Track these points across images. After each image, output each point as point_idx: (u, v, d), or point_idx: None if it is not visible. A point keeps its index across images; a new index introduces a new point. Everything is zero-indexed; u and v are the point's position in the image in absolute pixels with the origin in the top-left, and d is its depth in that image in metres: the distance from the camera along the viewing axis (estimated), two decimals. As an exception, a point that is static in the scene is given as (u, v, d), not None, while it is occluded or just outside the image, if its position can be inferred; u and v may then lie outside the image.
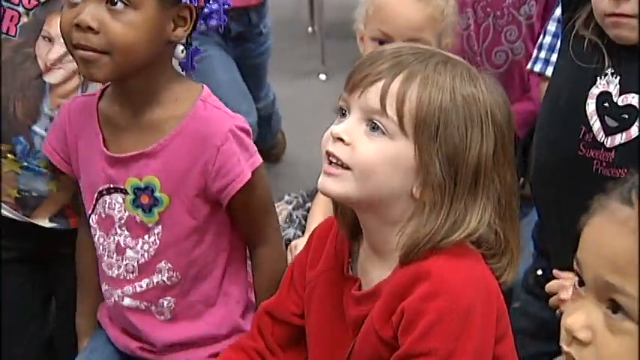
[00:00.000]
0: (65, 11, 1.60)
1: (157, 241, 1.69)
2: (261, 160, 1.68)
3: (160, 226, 1.68)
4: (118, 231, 1.71)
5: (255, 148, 1.69)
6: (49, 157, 1.80)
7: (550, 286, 1.81)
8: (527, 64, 2.40)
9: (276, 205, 2.20)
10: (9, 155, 1.83)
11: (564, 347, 1.03)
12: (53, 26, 1.77)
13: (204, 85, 1.72)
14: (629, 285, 0.97)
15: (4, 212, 1.88)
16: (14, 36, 1.78)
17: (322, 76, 4.73)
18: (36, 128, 1.81)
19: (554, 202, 1.84)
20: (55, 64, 1.80)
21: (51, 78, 1.80)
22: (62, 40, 1.75)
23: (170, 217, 1.68)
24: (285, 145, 3.85)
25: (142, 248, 1.70)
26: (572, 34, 1.82)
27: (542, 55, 2.32)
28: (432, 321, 1.29)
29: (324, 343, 1.49)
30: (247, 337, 1.60)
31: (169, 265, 1.70)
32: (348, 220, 1.45)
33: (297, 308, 1.55)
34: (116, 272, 1.73)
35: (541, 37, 2.36)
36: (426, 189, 1.33)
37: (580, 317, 1.02)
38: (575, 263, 1.05)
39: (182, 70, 1.73)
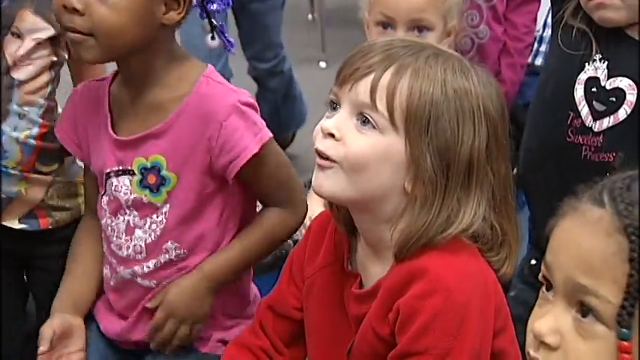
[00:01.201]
0: None
1: (164, 220, 1.69)
2: (270, 135, 1.66)
3: (167, 205, 1.68)
4: (127, 211, 1.72)
5: (263, 123, 1.67)
6: (62, 143, 1.79)
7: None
8: (494, 47, 2.40)
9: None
10: None
11: (531, 352, 1.02)
12: (23, 22, 1.75)
13: (209, 64, 1.72)
14: (602, 287, 0.96)
15: None
16: None
17: (322, 64, 4.72)
18: (4, 127, 1.79)
19: (544, 189, 1.85)
20: (23, 60, 1.77)
21: (19, 74, 1.78)
22: (32, 36, 1.75)
23: (178, 195, 1.68)
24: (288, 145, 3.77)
25: (149, 228, 1.71)
26: (561, 25, 1.83)
27: (543, 48, 2.31)
28: (428, 319, 1.28)
29: (324, 339, 1.48)
30: (250, 332, 1.58)
31: (176, 244, 1.70)
32: (344, 216, 1.44)
33: (298, 302, 1.53)
34: (126, 252, 1.73)
35: (541, 30, 2.36)
36: (418, 184, 1.32)
37: (548, 321, 1.01)
38: (543, 267, 1.04)
39: (227, 52, 1.76)
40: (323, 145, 1.34)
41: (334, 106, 1.36)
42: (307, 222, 1.82)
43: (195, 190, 1.68)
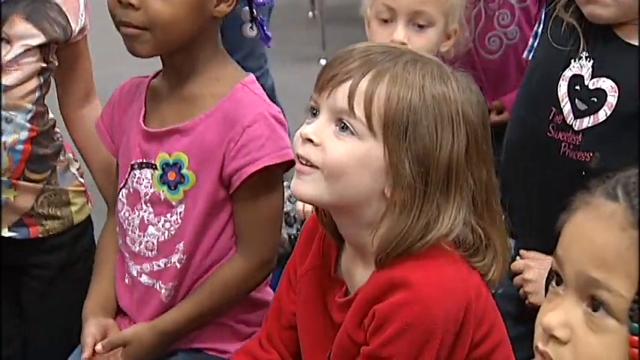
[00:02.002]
0: None
1: (179, 221, 1.70)
2: (290, 157, 1.61)
3: (183, 205, 1.69)
4: (144, 207, 1.73)
5: (290, 144, 1.64)
6: (101, 138, 1.82)
7: (515, 265, 1.82)
8: (523, 49, 2.38)
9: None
10: None
11: (540, 346, 1.01)
12: (12, 27, 1.75)
13: (251, 74, 1.73)
14: (614, 281, 0.96)
15: None
16: None
17: (323, 62, 4.71)
18: None
19: (522, 182, 1.85)
20: (10, 65, 1.77)
21: (6, 79, 1.77)
22: (21, 42, 1.74)
23: (194, 196, 1.69)
24: None
25: (163, 226, 1.71)
26: (552, 17, 1.83)
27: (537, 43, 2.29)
28: (399, 329, 1.29)
29: (310, 344, 1.48)
30: (259, 345, 1.57)
31: (184, 247, 1.71)
32: (330, 220, 1.44)
33: (296, 308, 1.53)
34: (137, 248, 1.75)
35: (536, 25, 2.34)
36: (397, 189, 1.32)
37: (558, 315, 1.00)
38: (553, 261, 1.04)
39: (265, 45, 1.78)
40: (303, 150, 1.35)
41: (314, 112, 1.37)
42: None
43: (210, 195, 1.68)
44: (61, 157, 1.91)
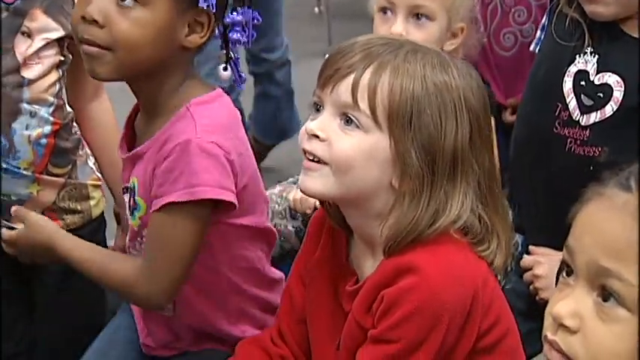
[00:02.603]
0: (77, 3, 1.57)
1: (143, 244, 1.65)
2: (205, 196, 1.51)
3: (145, 230, 1.62)
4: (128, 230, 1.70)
5: (212, 180, 1.52)
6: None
7: (524, 261, 1.83)
8: (526, 52, 2.37)
9: (282, 185, 2.18)
10: None
11: (549, 336, 1.02)
12: (33, 21, 1.75)
13: (213, 91, 1.61)
14: (626, 270, 0.96)
15: None
16: None
17: (329, 57, 4.71)
18: (15, 126, 1.78)
19: (528, 178, 1.86)
20: (32, 58, 1.77)
21: (29, 73, 1.78)
22: (41, 35, 1.74)
23: (146, 224, 1.60)
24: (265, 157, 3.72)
25: (138, 250, 1.66)
26: (556, 13, 1.83)
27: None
28: (408, 313, 1.30)
29: (320, 333, 1.48)
30: (270, 338, 1.55)
31: None
32: (336, 212, 1.44)
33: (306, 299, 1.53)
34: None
35: (544, 19, 2.34)
36: (405, 179, 1.33)
37: (568, 304, 1.00)
38: (564, 251, 1.04)
39: (238, 87, 1.69)
40: (310, 145, 1.35)
41: (318, 107, 1.37)
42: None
43: None
44: (80, 152, 1.92)
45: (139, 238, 1.66)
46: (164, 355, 1.77)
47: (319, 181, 1.35)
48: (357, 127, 1.33)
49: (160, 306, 1.64)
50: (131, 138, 1.68)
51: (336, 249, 1.48)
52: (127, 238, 1.70)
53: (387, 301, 1.32)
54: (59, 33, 1.79)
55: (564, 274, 1.04)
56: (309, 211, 2.03)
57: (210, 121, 1.55)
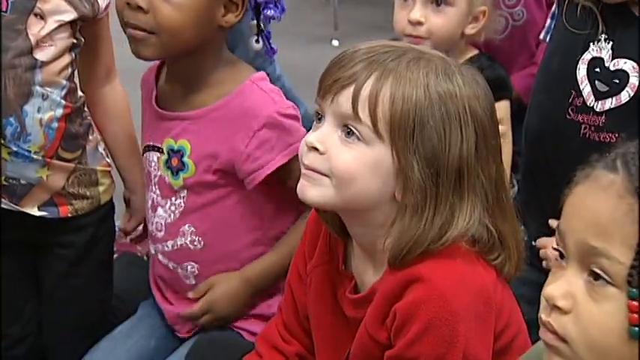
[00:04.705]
0: None
1: (182, 204, 1.74)
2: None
3: (185, 191, 1.74)
4: (153, 188, 1.78)
5: (303, 134, 1.62)
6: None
7: (543, 252, 1.83)
8: (530, 31, 2.37)
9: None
10: None
11: (543, 317, 1.03)
12: (46, 3, 1.75)
13: (263, 72, 1.75)
14: (612, 248, 0.97)
15: None
16: (5, 12, 1.74)
17: (335, 42, 4.71)
18: (27, 108, 1.78)
19: (544, 165, 1.86)
20: (45, 40, 1.77)
21: (42, 55, 1.77)
22: (54, 17, 1.74)
23: (194, 184, 1.73)
24: None
25: (169, 208, 1.75)
26: (566, 1, 1.82)
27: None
28: (422, 327, 1.27)
29: (326, 339, 1.48)
30: (277, 335, 1.56)
31: (193, 229, 1.75)
32: (333, 219, 1.41)
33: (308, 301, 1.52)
34: (151, 228, 1.81)
35: (554, 6, 2.33)
36: (407, 192, 1.29)
37: (561, 286, 1.02)
38: (556, 235, 1.05)
39: (270, 58, 1.82)
40: (308, 159, 1.32)
41: (319, 117, 1.34)
42: None
43: (210, 184, 1.72)
44: (90, 137, 1.92)
45: (173, 198, 1.74)
46: (188, 335, 1.84)
47: (319, 191, 1.32)
48: (359, 139, 1.29)
49: None
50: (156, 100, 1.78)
51: (333, 254, 1.46)
52: (156, 197, 1.77)
53: (400, 317, 1.29)
54: (72, 15, 1.78)
55: (557, 257, 1.05)
56: None
57: (277, 91, 1.72)
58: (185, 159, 1.72)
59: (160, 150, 1.76)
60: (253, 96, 1.69)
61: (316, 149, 1.31)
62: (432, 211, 1.29)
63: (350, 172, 1.30)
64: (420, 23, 2.03)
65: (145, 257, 2.26)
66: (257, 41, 1.78)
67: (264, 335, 1.59)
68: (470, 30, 2.04)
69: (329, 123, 1.31)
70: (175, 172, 1.73)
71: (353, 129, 1.29)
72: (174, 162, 1.73)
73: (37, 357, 1.99)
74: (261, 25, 1.77)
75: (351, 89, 1.29)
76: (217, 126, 1.69)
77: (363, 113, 1.28)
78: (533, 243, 1.88)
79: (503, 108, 2.11)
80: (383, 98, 1.28)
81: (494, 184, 1.34)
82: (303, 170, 1.34)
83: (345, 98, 1.29)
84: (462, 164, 1.29)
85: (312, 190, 1.33)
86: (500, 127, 2.08)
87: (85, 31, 1.85)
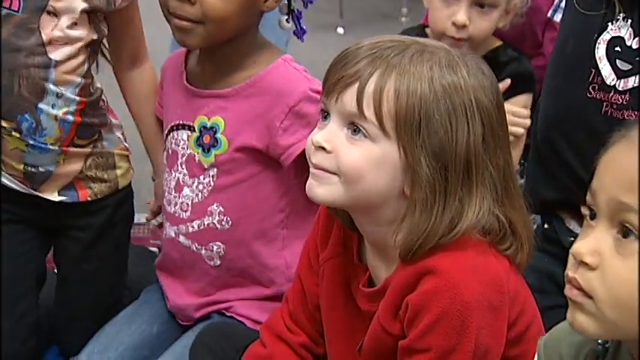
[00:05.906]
0: None
1: (212, 183, 1.75)
2: None
3: (215, 169, 1.75)
4: (179, 168, 1.78)
5: None
6: (159, 116, 1.90)
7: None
8: (534, 18, 2.35)
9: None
10: (14, 133, 1.79)
11: (570, 274, 1.04)
12: (59, 0, 1.73)
13: (288, 54, 1.78)
14: None
15: (12, 185, 1.86)
16: (17, 11, 1.73)
17: (340, 30, 4.70)
18: (42, 106, 1.77)
19: (566, 146, 1.83)
20: (59, 40, 1.76)
21: (56, 54, 1.76)
22: (68, 15, 1.73)
23: (225, 161, 1.74)
24: None
25: (196, 188, 1.76)
26: None
27: (564, 4, 2.26)
28: (434, 319, 1.27)
29: (338, 331, 1.47)
30: (283, 326, 1.55)
31: (221, 208, 1.75)
32: (345, 215, 1.41)
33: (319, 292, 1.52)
34: (173, 209, 1.80)
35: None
36: (416, 187, 1.29)
37: (589, 242, 1.03)
38: (588, 195, 1.06)
39: (298, 39, 1.83)
40: (316, 158, 1.32)
41: (325, 114, 1.34)
42: None
43: (242, 161, 1.73)
44: (107, 122, 1.93)
45: (201, 177, 1.75)
46: (190, 323, 1.85)
47: (327, 189, 1.32)
48: (365, 136, 1.29)
49: None
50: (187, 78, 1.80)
51: (347, 247, 1.45)
52: (182, 177, 1.78)
53: (412, 308, 1.30)
54: (83, 5, 1.75)
55: (588, 218, 1.05)
56: None
57: (307, 70, 1.76)
58: (218, 135, 1.73)
59: (191, 128, 1.77)
60: (287, 74, 1.72)
61: (323, 148, 1.31)
62: (441, 205, 1.28)
63: (358, 169, 1.29)
64: (464, 26, 2.02)
65: (157, 250, 2.27)
66: (287, 20, 1.81)
67: (268, 325, 1.58)
68: (502, 23, 2.04)
69: (335, 121, 1.31)
70: (207, 149, 1.74)
71: (359, 127, 1.29)
72: (206, 139, 1.74)
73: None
74: (292, 3, 1.79)
75: (355, 87, 1.28)
76: (252, 103, 1.71)
77: (369, 111, 1.28)
78: (545, 226, 1.87)
79: (522, 101, 2.10)
80: (387, 94, 1.27)
81: (503, 173, 1.33)
82: (311, 169, 1.34)
83: (349, 97, 1.29)
84: (469, 156, 1.28)
85: (321, 189, 1.33)
86: (520, 119, 2.07)
87: (111, 20, 1.86)
